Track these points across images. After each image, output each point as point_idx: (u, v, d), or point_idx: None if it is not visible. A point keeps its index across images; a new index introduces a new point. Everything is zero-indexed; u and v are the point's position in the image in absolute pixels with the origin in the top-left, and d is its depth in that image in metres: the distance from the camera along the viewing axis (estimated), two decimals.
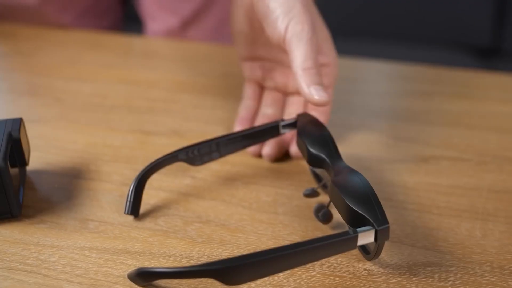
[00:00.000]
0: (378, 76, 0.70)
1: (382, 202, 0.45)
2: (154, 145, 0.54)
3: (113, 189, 0.48)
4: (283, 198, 0.47)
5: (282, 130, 0.49)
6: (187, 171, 0.50)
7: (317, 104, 0.45)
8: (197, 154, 0.47)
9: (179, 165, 0.50)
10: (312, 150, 0.43)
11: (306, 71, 0.45)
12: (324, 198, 0.46)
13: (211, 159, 0.48)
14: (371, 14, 1.66)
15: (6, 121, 0.47)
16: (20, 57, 0.73)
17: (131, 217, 0.45)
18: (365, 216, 0.36)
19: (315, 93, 0.44)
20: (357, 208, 0.36)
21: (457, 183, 0.49)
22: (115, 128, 0.57)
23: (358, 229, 0.36)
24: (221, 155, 0.48)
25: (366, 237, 0.36)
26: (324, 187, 0.47)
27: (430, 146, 0.54)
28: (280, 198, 0.47)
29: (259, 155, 0.52)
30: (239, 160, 0.52)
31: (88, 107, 0.61)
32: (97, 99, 0.63)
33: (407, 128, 0.57)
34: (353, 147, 0.54)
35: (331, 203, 0.41)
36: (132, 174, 0.50)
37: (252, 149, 0.52)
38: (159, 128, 0.57)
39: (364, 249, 0.40)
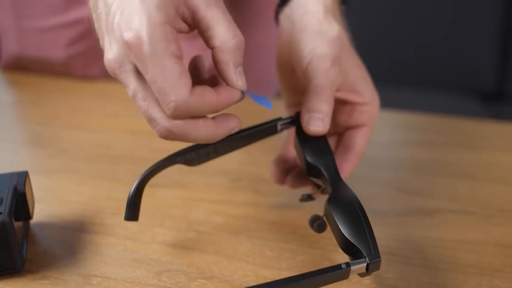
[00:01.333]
0: (382, 125, 0.71)
1: (386, 257, 0.45)
2: (158, 198, 0.55)
3: (116, 243, 0.48)
4: (287, 253, 0.47)
5: (279, 128, 0.49)
6: (191, 224, 0.51)
7: (313, 134, 0.45)
8: (194, 156, 0.47)
9: (181, 216, 0.50)
10: (310, 159, 0.44)
11: (313, 93, 0.46)
12: (318, 204, 0.46)
13: (208, 159, 0.48)
14: (375, 59, 1.68)
15: (11, 174, 0.48)
16: (25, 106, 0.75)
17: (134, 273, 0.45)
18: (358, 248, 0.38)
19: (309, 122, 0.45)
20: (350, 239, 0.38)
21: (463, 238, 0.49)
22: (120, 179, 0.58)
23: (351, 263, 0.38)
24: (218, 154, 0.48)
25: (358, 268, 0.38)
26: (323, 192, 0.47)
27: (434, 199, 0.55)
28: (284, 253, 0.47)
29: (282, 182, 0.52)
30: (243, 213, 0.52)
31: (92, 158, 0.62)
32: (101, 149, 0.64)
33: (412, 179, 0.58)
34: None
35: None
36: (135, 227, 0.50)
37: (275, 177, 0.52)
38: (163, 180, 0.58)
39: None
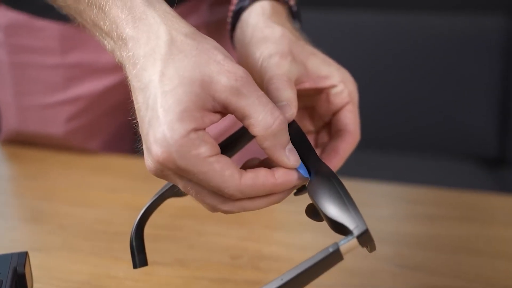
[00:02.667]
0: (382, 198, 0.72)
1: None
2: (158, 276, 0.55)
3: None
4: None
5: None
6: None
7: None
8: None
9: None
10: None
11: (271, 87, 0.46)
12: None
13: None
14: (375, 126, 1.71)
15: (12, 255, 0.48)
16: (25, 181, 0.76)
17: None
18: (343, 225, 0.37)
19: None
20: (334, 218, 0.37)
21: None
22: (119, 257, 0.58)
23: (339, 242, 0.37)
24: None
25: (351, 246, 0.37)
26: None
27: (437, 275, 0.55)
28: None
29: None
30: None
31: (92, 235, 0.63)
32: (101, 226, 0.65)
33: (413, 255, 0.58)
34: (356, 277, 0.55)
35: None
36: None
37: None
38: (163, 257, 0.58)
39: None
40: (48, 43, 0.77)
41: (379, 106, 1.72)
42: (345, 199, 0.38)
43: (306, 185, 0.41)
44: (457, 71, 1.69)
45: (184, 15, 0.43)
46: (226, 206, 0.40)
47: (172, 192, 0.47)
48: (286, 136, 0.40)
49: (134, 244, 0.45)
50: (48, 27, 0.75)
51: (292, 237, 0.63)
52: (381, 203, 0.71)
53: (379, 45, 1.73)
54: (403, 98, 1.71)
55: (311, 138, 0.54)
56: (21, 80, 0.81)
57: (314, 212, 0.42)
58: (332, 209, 0.38)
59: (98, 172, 0.78)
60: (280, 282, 0.36)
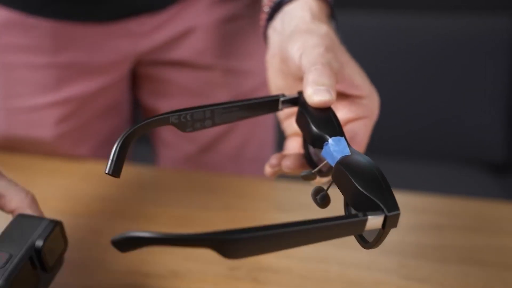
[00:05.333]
0: None
1: None
2: None
3: None
4: None
5: (280, 106, 0.49)
6: None
7: (317, 106, 0.46)
8: (189, 119, 0.46)
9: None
10: (315, 129, 0.44)
11: (313, 69, 0.47)
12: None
13: (203, 126, 0.47)
14: (381, 132, 1.72)
15: (42, 221, 0.47)
16: None
17: None
18: (375, 201, 0.36)
19: (314, 93, 0.46)
20: (366, 192, 0.37)
21: None
22: (112, 269, 0.58)
23: (368, 213, 0.36)
24: (214, 123, 0.48)
25: (375, 223, 0.36)
26: (320, 172, 0.47)
27: (444, 287, 0.55)
28: None
29: (276, 167, 0.53)
30: None
31: (83, 246, 0.63)
32: (92, 236, 0.64)
33: (419, 266, 0.59)
34: None
35: (331, 187, 0.42)
36: None
37: (272, 162, 0.53)
38: (158, 269, 0.58)
39: (361, 236, 0.40)
40: (40, 42, 0.77)
41: (384, 112, 1.73)
42: (382, 181, 0.38)
43: (336, 164, 0.41)
44: (463, 74, 1.69)
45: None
46: None
47: (178, 118, 0.46)
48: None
49: (116, 150, 0.43)
50: (41, 25, 0.75)
51: (292, 248, 0.63)
52: None
53: (383, 47, 1.73)
54: (407, 103, 1.72)
55: None
56: (10, 81, 0.81)
57: (322, 196, 0.43)
58: (365, 184, 0.37)
59: (88, 179, 0.78)
60: (294, 227, 0.34)
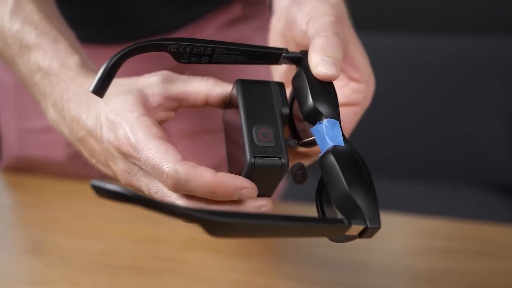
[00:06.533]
0: (396, 231, 0.73)
1: None
2: None
3: None
4: None
5: (281, 60, 0.48)
6: None
7: (320, 78, 0.44)
8: (188, 52, 0.45)
9: None
10: (312, 102, 0.43)
11: (324, 35, 0.45)
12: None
13: (199, 62, 0.46)
14: (389, 153, 1.73)
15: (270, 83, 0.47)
16: (25, 210, 0.78)
17: None
18: (360, 208, 0.36)
19: (320, 64, 0.44)
20: (354, 197, 0.37)
21: None
22: None
23: (352, 221, 0.36)
24: (211, 61, 0.46)
25: (354, 229, 0.36)
26: (304, 144, 0.46)
27: None
28: None
29: None
30: None
31: (94, 268, 0.64)
32: (103, 258, 0.66)
33: None
34: None
35: (311, 167, 0.42)
36: None
37: None
38: None
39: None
40: None
41: (392, 131, 1.73)
42: (369, 187, 0.37)
43: (327, 152, 0.40)
44: (472, 95, 1.70)
45: None
46: (180, 201, 0.43)
47: (177, 47, 0.45)
48: None
49: (106, 69, 0.42)
50: None
51: (302, 271, 0.64)
52: (395, 236, 0.72)
53: (390, 68, 1.75)
54: (415, 123, 1.73)
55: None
56: (23, 102, 0.82)
57: (301, 174, 0.43)
58: (353, 187, 0.37)
59: (100, 201, 0.78)
60: (281, 221, 0.35)
